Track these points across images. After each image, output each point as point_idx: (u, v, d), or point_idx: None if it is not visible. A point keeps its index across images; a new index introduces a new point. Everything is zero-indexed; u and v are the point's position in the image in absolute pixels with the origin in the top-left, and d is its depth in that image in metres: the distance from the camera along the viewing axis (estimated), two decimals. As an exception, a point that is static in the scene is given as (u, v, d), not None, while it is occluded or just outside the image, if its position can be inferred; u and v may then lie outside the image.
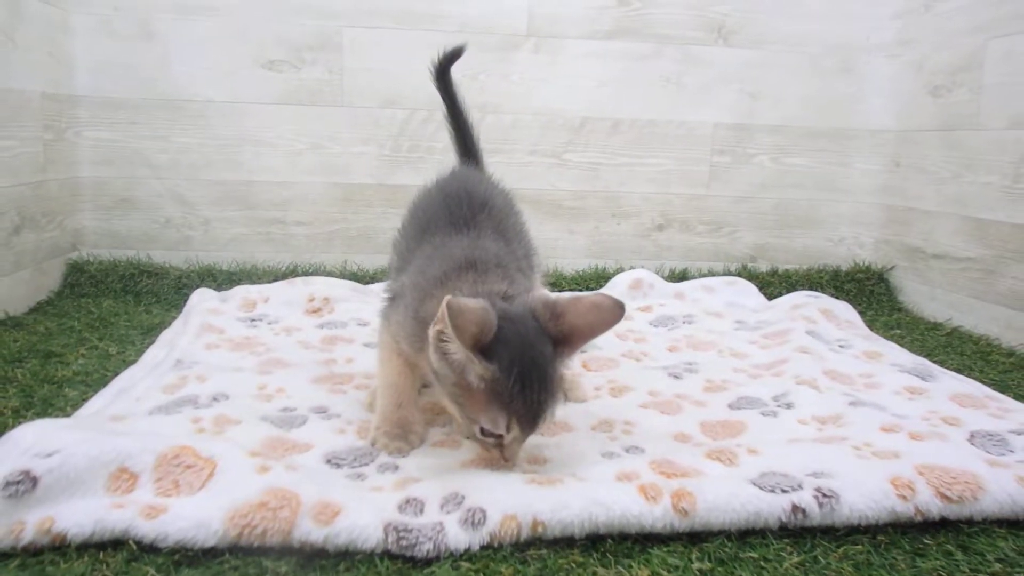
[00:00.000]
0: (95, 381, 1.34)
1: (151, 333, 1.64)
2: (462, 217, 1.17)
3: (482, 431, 0.96)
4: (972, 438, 1.14)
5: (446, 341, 0.91)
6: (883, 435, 1.11)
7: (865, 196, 2.33)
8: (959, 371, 1.55)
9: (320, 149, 2.14)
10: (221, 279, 2.05)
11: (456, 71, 2.10)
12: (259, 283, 1.98)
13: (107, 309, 1.81)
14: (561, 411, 1.26)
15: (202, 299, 1.81)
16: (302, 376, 1.38)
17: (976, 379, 1.49)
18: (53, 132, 1.93)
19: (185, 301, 1.82)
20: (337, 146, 2.15)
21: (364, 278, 2.12)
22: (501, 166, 2.19)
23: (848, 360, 1.55)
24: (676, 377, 1.45)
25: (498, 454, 0.99)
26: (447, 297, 0.89)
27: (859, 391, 1.37)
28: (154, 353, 1.49)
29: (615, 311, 1.00)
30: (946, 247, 2.04)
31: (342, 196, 2.18)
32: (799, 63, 2.23)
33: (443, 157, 2.15)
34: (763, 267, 2.32)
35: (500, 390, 0.92)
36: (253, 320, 1.74)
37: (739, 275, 2.19)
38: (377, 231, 2.20)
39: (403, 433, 1.10)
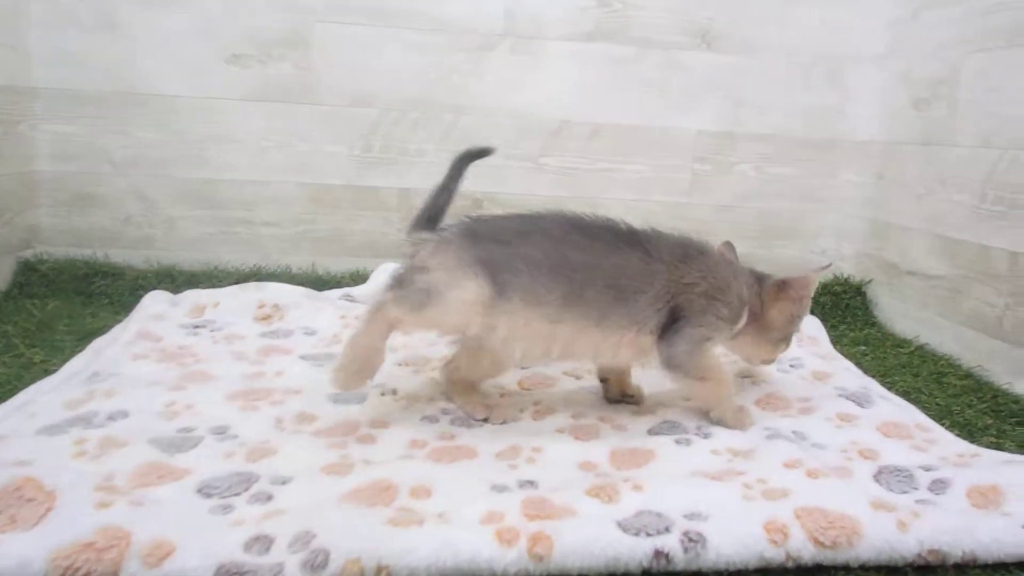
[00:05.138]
0: (5, 393, 1.28)
1: (88, 339, 1.58)
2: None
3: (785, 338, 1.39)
4: (879, 474, 1.13)
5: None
6: (782, 471, 1.10)
7: (850, 208, 2.27)
8: (907, 394, 1.54)
9: (288, 147, 2.08)
10: (180, 280, 1.98)
11: (429, 70, 2.06)
12: (220, 285, 1.93)
13: (51, 312, 1.74)
14: (473, 436, 1.24)
15: (152, 302, 1.76)
16: (219, 391, 1.33)
17: (922, 403, 1.49)
18: (4, 125, 1.86)
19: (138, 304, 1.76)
20: (306, 145, 2.08)
21: (331, 282, 2.06)
22: (475, 169, 2.10)
23: (793, 382, 1.54)
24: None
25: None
26: (814, 272, 1.35)
27: (791, 416, 1.36)
28: (76, 363, 1.44)
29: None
30: (919, 264, 2.00)
31: (311, 196, 2.12)
32: (785, 71, 2.17)
33: (416, 159, 2.11)
34: (743, 279, 2.26)
35: None
36: (196, 327, 1.68)
37: (718, 287, 2.12)
38: (347, 233, 2.14)
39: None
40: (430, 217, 1.30)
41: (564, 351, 1.26)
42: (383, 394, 1.38)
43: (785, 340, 1.40)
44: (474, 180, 2.12)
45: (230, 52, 2.00)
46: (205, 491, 1.00)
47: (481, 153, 1.37)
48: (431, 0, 2.03)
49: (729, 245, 1.47)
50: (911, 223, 2.04)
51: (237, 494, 1.00)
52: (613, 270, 1.23)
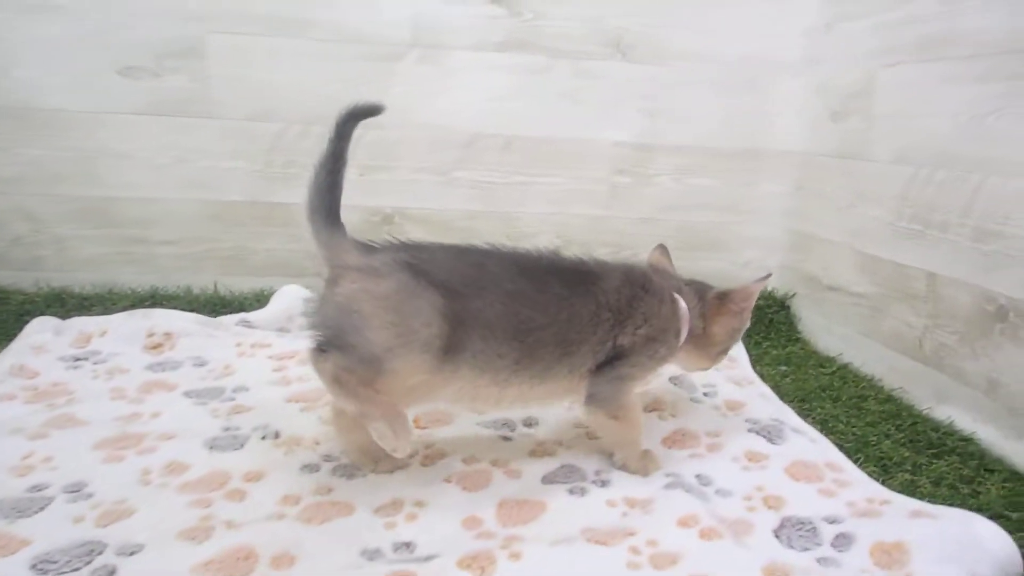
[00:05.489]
0: None
1: (-41, 375, 1.47)
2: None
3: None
4: (780, 528, 1.08)
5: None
6: (675, 531, 1.05)
7: (772, 219, 2.23)
8: (824, 422, 1.50)
9: (186, 163, 1.98)
10: (71, 305, 1.88)
11: (333, 82, 1.97)
12: (115, 308, 1.83)
13: (-79, 344, 1.63)
14: (353, 489, 1.16)
15: (36, 330, 1.66)
16: (86, 438, 1.25)
17: (839, 433, 1.45)
18: None
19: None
20: (205, 160, 1.98)
21: (234, 303, 1.98)
22: (385, 184, 2.06)
23: (704, 413, 1.49)
24: (506, 439, 1.35)
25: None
26: (755, 284, 1.29)
27: (698, 455, 1.31)
28: (-70, 411, 1.34)
29: None
30: (840, 279, 1.96)
31: (212, 214, 2.02)
32: (702, 80, 2.11)
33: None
34: (664, 293, 2.20)
35: None
36: (78, 360, 1.59)
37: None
38: (251, 252, 2.05)
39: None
40: (332, 204, 1.13)
41: (508, 407, 1.22)
42: (264, 437, 1.31)
43: (724, 352, 1.36)
44: (385, 195, 2.08)
45: (121, 64, 1.90)
46: (40, 567, 0.92)
47: (369, 111, 1.20)
48: (332, 8, 1.94)
49: (663, 249, 1.44)
50: (832, 236, 2.00)
51: (76, 569, 0.92)
52: (564, 325, 1.16)
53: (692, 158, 2.17)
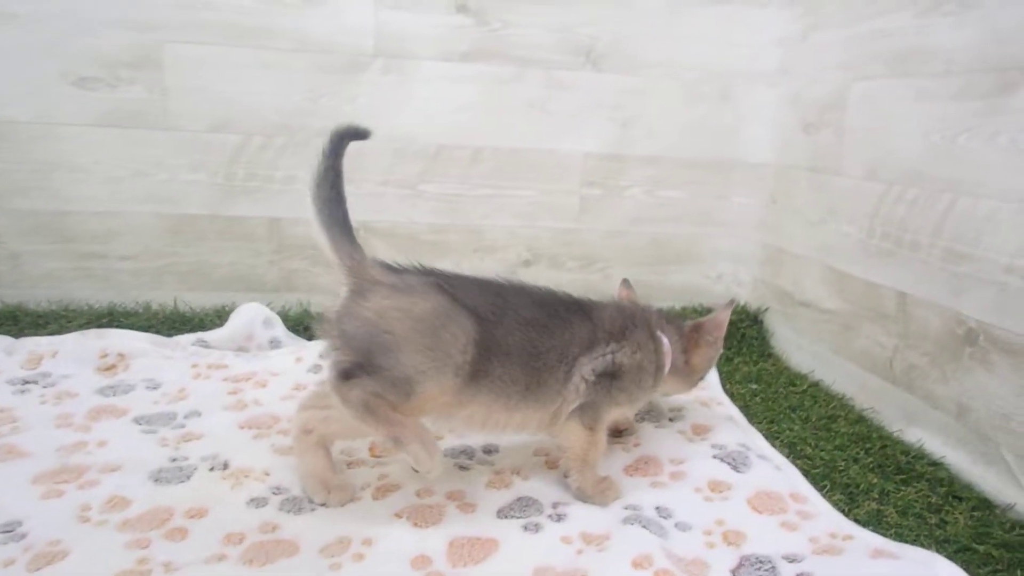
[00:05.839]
0: None
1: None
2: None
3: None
4: (738, 567, 1.05)
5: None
6: (628, 572, 1.01)
7: (745, 232, 2.19)
8: (793, 445, 1.47)
9: (144, 176, 1.92)
10: (26, 322, 1.82)
11: (295, 93, 1.92)
12: (70, 327, 1.78)
13: None
14: (300, 525, 1.12)
15: (-12, 351, 1.61)
16: (26, 471, 1.19)
17: (807, 457, 1.43)
18: None
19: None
20: (163, 173, 1.93)
21: (194, 319, 1.92)
22: (349, 197, 1.98)
23: (670, 437, 1.47)
24: (464, 468, 1.31)
25: None
26: (722, 311, 1.40)
27: (660, 484, 1.28)
28: None
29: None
30: (811, 295, 1.92)
31: (171, 228, 1.97)
32: (674, 90, 2.07)
33: (284, 187, 1.97)
34: (636, 306, 2.17)
35: None
36: (27, 382, 1.54)
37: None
38: (211, 266, 2.00)
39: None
40: (344, 216, 1.16)
41: (514, 431, 1.23)
42: (212, 468, 1.26)
43: (703, 377, 1.45)
44: (349, 208, 2.02)
45: (76, 74, 1.84)
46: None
47: (359, 134, 1.22)
48: (293, 17, 1.88)
49: (627, 283, 1.50)
50: (803, 251, 1.96)
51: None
52: (566, 343, 1.21)
53: (664, 169, 2.13)
